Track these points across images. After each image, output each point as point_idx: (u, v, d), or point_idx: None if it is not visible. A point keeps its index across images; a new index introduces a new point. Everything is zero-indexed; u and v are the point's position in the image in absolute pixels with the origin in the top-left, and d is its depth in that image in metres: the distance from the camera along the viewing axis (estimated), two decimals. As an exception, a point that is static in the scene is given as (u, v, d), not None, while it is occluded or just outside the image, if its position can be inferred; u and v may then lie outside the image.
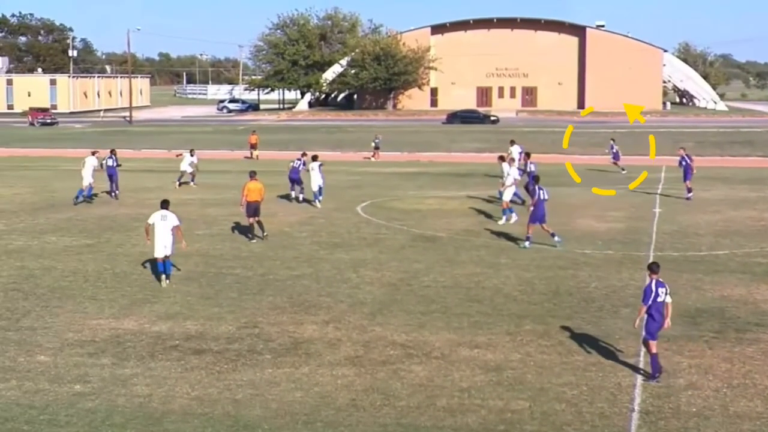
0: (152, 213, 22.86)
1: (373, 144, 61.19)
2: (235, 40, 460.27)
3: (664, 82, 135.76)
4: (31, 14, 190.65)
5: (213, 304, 20.22)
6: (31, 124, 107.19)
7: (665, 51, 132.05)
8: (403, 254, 25.88)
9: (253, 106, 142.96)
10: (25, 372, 15.65)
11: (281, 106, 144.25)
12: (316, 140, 75.87)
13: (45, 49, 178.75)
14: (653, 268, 15.52)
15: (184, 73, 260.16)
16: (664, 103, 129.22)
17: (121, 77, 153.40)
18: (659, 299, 15.30)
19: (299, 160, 37.07)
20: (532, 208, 26.80)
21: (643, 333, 15.65)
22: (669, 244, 27.45)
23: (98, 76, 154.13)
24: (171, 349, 16.95)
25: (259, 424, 13.47)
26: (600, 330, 18.13)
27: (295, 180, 36.72)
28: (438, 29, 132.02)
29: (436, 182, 45.55)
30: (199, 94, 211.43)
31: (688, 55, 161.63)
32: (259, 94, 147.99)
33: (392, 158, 59.94)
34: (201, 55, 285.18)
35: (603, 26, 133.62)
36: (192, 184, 42.03)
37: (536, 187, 26.91)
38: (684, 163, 38.17)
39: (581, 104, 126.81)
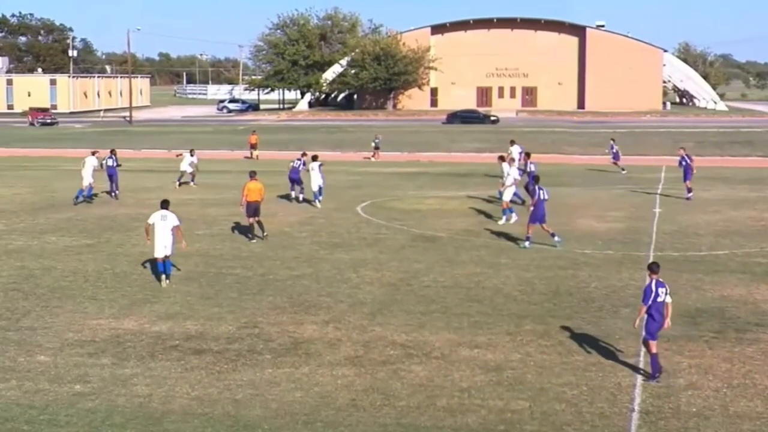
0: (152, 213, 22.84)
1: (373, 144, 61.18)
2: (235, 40, 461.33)
3: (664, 82, 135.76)
4: (31, 14, 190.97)
5: (213, 304, 20.22)
6: (31, 124, 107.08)
7: (665, 51, 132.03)
8: (403, 254, 25.87)
9: (253, 106, 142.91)
10: (25, 372, 15.64)
11: (281, 106, 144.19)
12: (316, 140, 75.82)
13: (45, 49, 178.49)
14: (653, 268, 15.53)
15: (184, 73, 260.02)
16: (664, 103, 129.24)
17: (121, 77, 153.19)
18: (659, 299, 15.30)
19: (299, 160, 37.05)
20: (532, 208, 26.75)
21: (643, 333, 15.64)
22: (669, 244, 27.43)
23: (98, 76, 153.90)
24: (171, 349, 16.94)
25: (259, 424, 13.45)
26: (600, 330, 18.12)
27: (295, 180, 36.72)
28: (438, 29, 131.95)
29: (436, 182, 45.54)
30: (199, 94, 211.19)
31: (688, 55, 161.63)
32: (259, 94, 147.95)
33: (392, 158, 59.93)
34: (201, 55, 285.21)
35: (603, 26, 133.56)
36: (192, 184, 42.04)
37: (536, 187, 26.89)
38: (684, 163, 38.16)
39: (581, 104, 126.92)
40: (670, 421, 13.59)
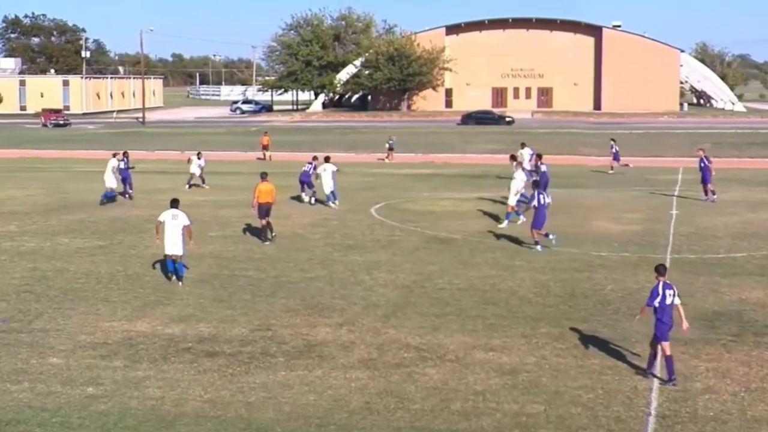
0: (162, 212, 22.91)
1: (387, 145, 61.05)
2: (248, 41, 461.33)
3: (681, 82, 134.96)
4: (43, 15, 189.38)
5: (226, 306, 20.17)
6: (44, 125, 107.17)
7: (682, 51, 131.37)
8: (417, 256, 25.77)
9: (267, 107, 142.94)
10: (38, 374, 15.62)
11: (295, 107, 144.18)
12: (329, 141, 75.76)
13: (58, 50, 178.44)
14: (660, 270, 15.56)
15: (197, 74, 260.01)
16: (681, 104, 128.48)
17: (133, 78, 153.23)
18: (667, 302, 15.27)
19: (310, 164, 36.97)
20: (534, 212, 26.71)
21: (654, 336, 15.53)
22: (686, 247, 27.26)
23: (111, 77, 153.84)
24: (184, 351, 16.90)
25: (272, 427, 13.40)
26: (616, 333, 17.98)
27: (306, 182, 36.72)
28: (453, 29, 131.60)
29: (450, 184, 45.40)
30: (212, 95, 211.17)
31: (705, 56, 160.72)
32: (272, 95, 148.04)
33: (406, 159, 59.79)
34: (214, 55, 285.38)
35: (619, 26, 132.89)
36: (204, 186, 41.91)
37: (536, 192, 26.79)
38: (702, 164, 37.87)
39: (597, 105, 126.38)
40: (687, 425, 13.47)
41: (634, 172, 48.93)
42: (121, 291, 21.58)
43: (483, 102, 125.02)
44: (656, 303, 15.31)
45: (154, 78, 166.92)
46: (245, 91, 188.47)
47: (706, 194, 37.49)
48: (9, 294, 21.25)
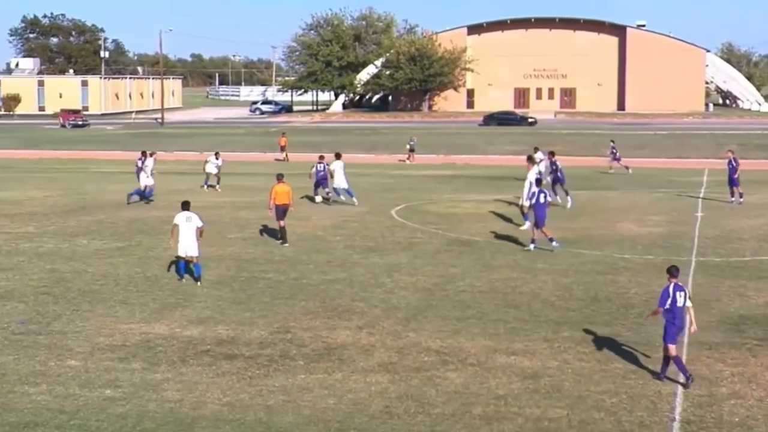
0: (176, 215, 22.92)
1: (408, 146, 60.95)
2: (268, 41, 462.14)
3: (707, 83, 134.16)
4: (62, 15, 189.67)
5: (245, 308, 20.07)
6: (63, 125, 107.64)
7: (708, 51, 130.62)
8: (438, 258, 25.60)
9: (286, 108, 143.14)
10: (56, 376, 15.57)
11: (315, 107, 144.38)
12: (349, 142, 75.74)
13: (76, 50, 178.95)
14: (672, 271, 15.49)
15: (217, 75, 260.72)
16: (707, 105, 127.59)
17: (152, 78, 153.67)
18: (678, 304, 15.19)
19: (320, 164, 37.08)
20: (533, 211, 26.58)
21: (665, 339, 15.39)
22: (711, 249, 26.97)
23: (130, 78, 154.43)
24: (202, 353, 16.81)
25: (291, 430, 13.31)
26: (640, 337, 17.76)
27: (322, 183, 36.88)
28: (474, 29, 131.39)
29: (472, 185, 45.22)
30: (232, 95, 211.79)
31: (731, 56, 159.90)
32: (292, 95, 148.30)
33: (427, 161, 59.70)
34: (234, 56, 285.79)
35: (644, 26, 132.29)
36: (217, 187, 41.84)
37: (538, 190, 26.66)
38: (731, 165, 37.45)
39: (621, 106, 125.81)
40: (711, 431, 13.31)
41: (659, 173, 48.57)
42: (140, 293, 21.53)
43: (505, 103, 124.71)
44: (667, 305, 15.20)
45: (173, 78, 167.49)
46: (265, 91, 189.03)
47: (732, 195, 37.14)
48: (27, 296, 21.24)
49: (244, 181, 45.20)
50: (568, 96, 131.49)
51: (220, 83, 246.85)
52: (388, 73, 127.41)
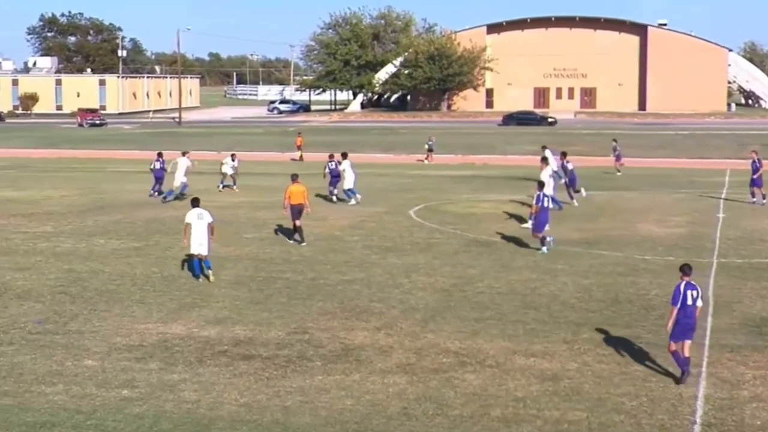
0: (187, 213, 23.04)
1: (426, 146, 60.82)
2: (286, 40, 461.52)
3: (729, 82, 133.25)
4: (80, 14, 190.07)
5: (262, 308, 20.01)
6: (80, 125, 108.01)
7: (730, 50, 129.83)
8: (456, 259, 25.48)
9: (304, 107, 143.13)
10: (73, 376, 15.54)
11: (333, 107, 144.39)
12: (368, 142, 75.77)
13: (94, 49, 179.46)
14: (685, 269, 15.52)
15: (235, 74, 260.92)
16: (729, 105, 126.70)
17: (170, 78, 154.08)
18: (688, 302, 15.19)
19: (331, 162, 37.55)
20: (534, 215, 26.60)
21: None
22: (733, 251, 26.74)
23: (147, 77, 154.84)
24: (219, 354, 16.76)
25: (309, 431, 13.22)
26: (661, 339, 17.49)
27: (333, 182, 37.26)
28: (494, 28, 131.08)
29: (491, 185, 45.05)
30: (250, 94, 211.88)
31: (754, 55, 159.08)
32: (310, 94, 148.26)
33: (446, 161, 59.55)
34: (251, 55, 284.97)
35: (665, 25, 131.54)
36: (234, 187, 41.86)
37: (540, 194, 26.50)
38: (755, 166, 37.14)
39: (642, 106, 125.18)
40: (733, 434, 13.13)
41: (680, 174, 48.30)
42: (157, 293, 21.49)
43: (525, 102, 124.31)
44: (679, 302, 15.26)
45: (190, 77, 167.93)
46: (283, 90, 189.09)
47: (753, 196, 36.84)
48: (44, 295, 21.23)
49: (261, 181, 45.18)
50: (589, 96, 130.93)
51: (238, 82, 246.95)
52: (406, 72, 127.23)
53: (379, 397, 14.53)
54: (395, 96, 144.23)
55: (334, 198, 37.26)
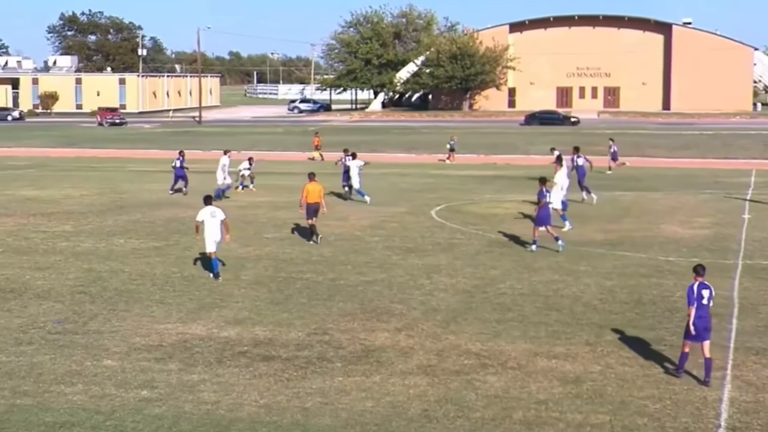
0: (199, 211, 23.10)
1: (448, 146, 60.62)
2: (306, 39, 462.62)
3: (755, 82, 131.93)
4: (100, 12, 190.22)
5: (282, 309, 19.95)
6: (100, 124, 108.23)
7: (756, 49, 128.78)
8: (478, 260, 25.34)
9: (325, 107, 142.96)
10: (92, 376, 15.53)
11: (353, 106, 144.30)
12: (389, 142, 75.66)
13: (114, 47, 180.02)
14: (698, 270, 15.69)
15: (255, 73, 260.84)
16: (755, 104, 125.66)
17: (190, 77, 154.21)
18: (703, 301, 15.24)
19: (348, 156, 38.06)
20: (536, 211, 26.53)
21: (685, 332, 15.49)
22: (759, 252, 26.49)
23: (167, 76, 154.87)
24: (239, 355, 16.71)
25: (328, 433, 13.19)
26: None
27: (348, 175, 37.67)
28: (516, 27, 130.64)
29: (513, 185, 44.83)
30: (270, 93, 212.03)
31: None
32: (330, 93, 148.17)
33: (468, 160, 59.35)
34: (272, 54, 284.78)
35: (690, 23, 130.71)
36: (251, 187, 41.89)
37: (543, 189, 26.39)
38: None
39: (667, 105, 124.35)
40: (759, 438, 13.00)
41: (705, 174, 47.90)
42: (176, 293, 21.48)
43: (547, 102, 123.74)
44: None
45: (211, 76, 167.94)
46: (303, 89, 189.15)
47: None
48: (64, 295, 21.27)
49: (281, 180, 45.16)
50: (612, 95, 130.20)
51: (258, 81, 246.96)
52: (428, 71, 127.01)
53: (400, 399, 14.45)
54: (416, 95, 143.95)
55: (350, 193, 37.49)
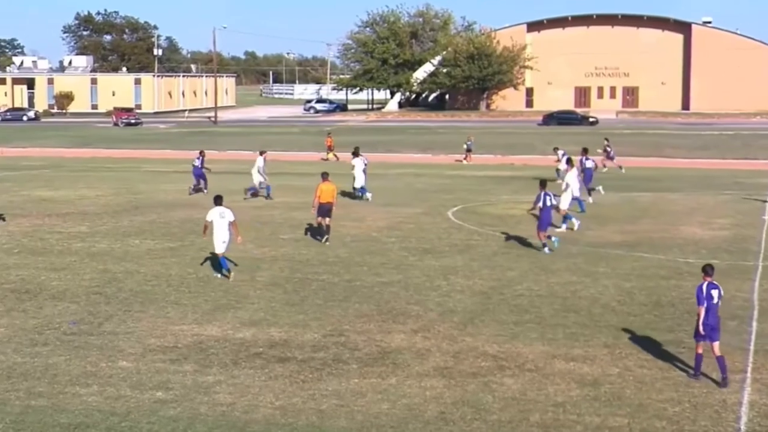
0: (209, 211, 23.14)
1: (464, 146, 60.47)
2: (322, 38, 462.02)
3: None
4: (115, 12, 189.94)
5: (298, 310, 19.89)
6: (115, 124, 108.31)
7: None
8: (495, 261, 25.22)
9: (341, 107, 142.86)
10: (107, 378, 15.52)
11: (370, 106, 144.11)
12: (405, 142, 75.59)
13: (129, 47, 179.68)
14: (707, 270, 15.63)
15: (271, 73, 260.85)
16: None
17: (206, 76, 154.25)
18: (713, 301, 15.25)
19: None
20: (538, 214, 26.41)
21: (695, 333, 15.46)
22: (779, 253, 26.29)
23: (183, 76, 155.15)
24: (254, 356, 16.66)
25: (344, 436, 13.14)
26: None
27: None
28: (534, 26, 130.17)
29: (530, 186, 44.37)
30: (286, 93, 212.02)
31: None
32: (347, 93, 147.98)
33: (484, 161, 59.19)
34: (288, 53, 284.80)
35: (710, 23, 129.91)
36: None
37: (542, 193, 26.24)
38: None
39: (686, 105, 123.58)
40: (779, 442, 12.89)
41: (724, 175, 47.57)
42: (192, 294, 21.44)
43: (565, 102, 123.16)
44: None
45: (226, 76, 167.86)
46: (319, 89, 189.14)
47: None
48: (79, 296, 21.27)
49: (297, 181, 45.09)
50: (631, 95, 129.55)
51: (274, 81, 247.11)
52: (445, 71, 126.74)
53: (416, 401, 14.38)
54: (433, 95, 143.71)
55: (368, 195, 37.53)
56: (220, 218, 22.66)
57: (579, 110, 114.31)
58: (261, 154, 39.16)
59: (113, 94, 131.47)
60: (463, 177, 49.39)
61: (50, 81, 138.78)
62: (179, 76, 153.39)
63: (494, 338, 17.75)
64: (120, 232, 30.11)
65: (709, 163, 54.62)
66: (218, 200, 23.25)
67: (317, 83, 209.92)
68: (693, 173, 49.88)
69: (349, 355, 16.73)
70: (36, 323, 18.88)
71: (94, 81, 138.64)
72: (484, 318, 19.27)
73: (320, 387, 15.02)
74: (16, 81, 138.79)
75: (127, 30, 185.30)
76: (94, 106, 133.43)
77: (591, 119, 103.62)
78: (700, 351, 15.35)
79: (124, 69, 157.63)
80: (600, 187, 37.56)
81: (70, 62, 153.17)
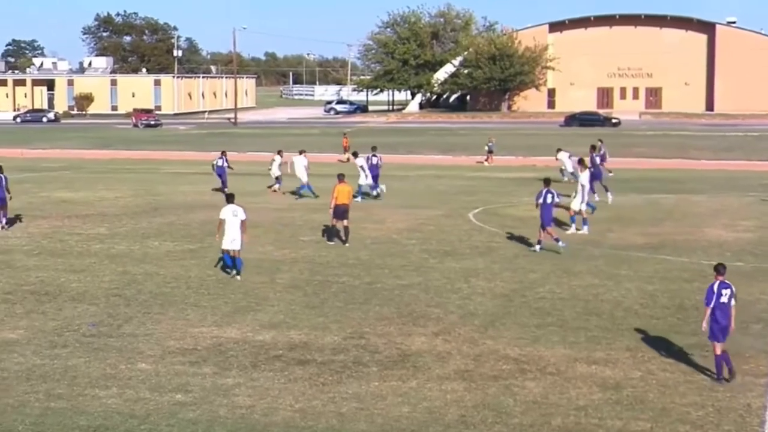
0: (222, 209, 23.17)
1: (486, 148, 60.24)
2: (343, 39, 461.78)
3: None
4: (135, 13, 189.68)
5: (318, 313, 19.84)
6: (135, 125, 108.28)
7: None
8: (516, 264, 25.10)
9: (362, 108, 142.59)
10: (126, 380, 15.52)
11: (390, 107, 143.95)
12: (426, 143, 75.44)
13: (149, 48, 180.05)
14: (719, 269, 15.65)
15: (291, 74, 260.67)
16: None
17: (226, 78, 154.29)
18: (722, 300, 15.21)
19: (374, 156, 38.38)
20: (540, 211, 26.37)
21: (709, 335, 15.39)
22: (804, 256, 26.00)
23: (203, 77, 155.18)
24: (274, 359, 16.62)
25: (364, 439, 13.11)
26: (728, 347, 16.92)
27: (376, 177, 37.78)
28: (556, 27, 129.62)
29: (552, 188, 44.30)
30: (306, 95, 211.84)
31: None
32: (367, 95, 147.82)
33: (506, 162, 58.97)
34: (308, 54, 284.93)
35: (734, 23, 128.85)
36: (274, 187, 41.80)
37: (543, 190, 26.18)
38: None
39: (710, 106, 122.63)
40: (804, 447, 12.74)
41: (750, 176, 47.13)
42: (211, 296, 21.42)
43: (588, 102, 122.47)
44: (713, 303, 15.28)
45: (246, 77, 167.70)
46: (339, 90, 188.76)
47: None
48: (98, 298, 21.29)
49: (317, 182, 44.87)
50: (654, 96, 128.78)
51: (294, 82, 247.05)
52: (466, 72, 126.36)
53: (437, 405, 14.33)
54: (454, 96, 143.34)
55: (374, 192, 37.64)
56: (232, 216, 22.72)
57: (601, 111, 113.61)
58: (301, 153, 39.65)
59: (133, 96, 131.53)
60: (485, 179, 49.24)
61: (70, 82, 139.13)
62: (199, 77, 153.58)
63: (515, 341, 17.66)
64: (139, 234, 30.14)
65: (734, 164, 54.12)
66: (230, 198, 23.36)
67: (338, 84, 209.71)
68: (717, 175, 49.50)
69: (370, 357, 16.66)
70: (55, 325, 18.91)
71: (113, 82, 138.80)
72: (506, 321, 19.17)
73: (340, 390, 14.96)
74: (36, 82, 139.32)
75: (146, 31, 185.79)
76: (114, 108, 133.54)
77: (614, 120, 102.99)
78: (718, 352, 15.24)
79: (144, 70, 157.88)
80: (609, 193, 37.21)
81: (89, 63, 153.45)
